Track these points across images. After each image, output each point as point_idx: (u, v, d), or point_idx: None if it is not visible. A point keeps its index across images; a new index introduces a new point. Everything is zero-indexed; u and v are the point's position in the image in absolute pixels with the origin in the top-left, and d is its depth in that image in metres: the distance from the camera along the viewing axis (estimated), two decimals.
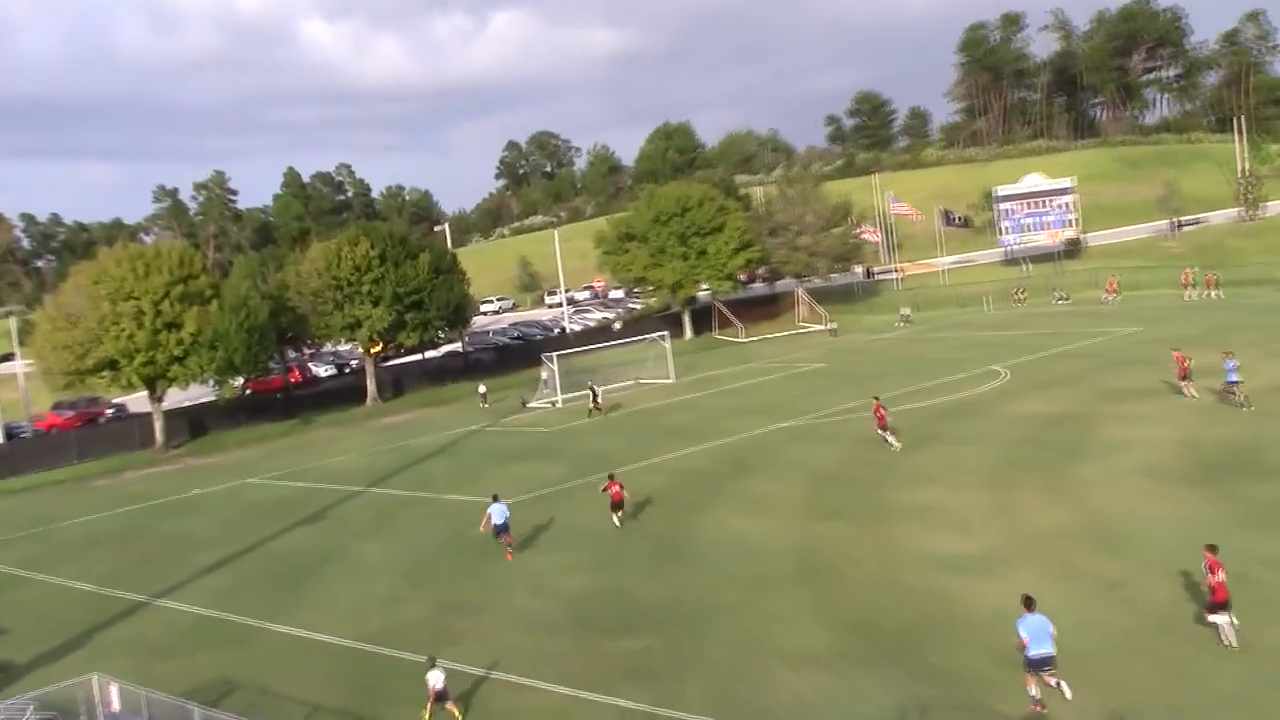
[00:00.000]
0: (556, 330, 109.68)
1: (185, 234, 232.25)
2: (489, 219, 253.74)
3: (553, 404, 72.95)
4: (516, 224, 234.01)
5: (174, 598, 36.89)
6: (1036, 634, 23.03)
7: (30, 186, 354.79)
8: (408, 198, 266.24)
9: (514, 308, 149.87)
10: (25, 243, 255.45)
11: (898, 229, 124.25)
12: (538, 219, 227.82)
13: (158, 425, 73.25)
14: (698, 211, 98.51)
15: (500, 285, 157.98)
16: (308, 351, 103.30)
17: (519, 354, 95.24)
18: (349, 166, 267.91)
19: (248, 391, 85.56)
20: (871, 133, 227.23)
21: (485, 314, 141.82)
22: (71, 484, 66.37)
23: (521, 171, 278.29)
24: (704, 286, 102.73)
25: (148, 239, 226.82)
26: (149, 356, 69.00)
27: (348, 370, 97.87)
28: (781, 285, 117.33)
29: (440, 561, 37.47)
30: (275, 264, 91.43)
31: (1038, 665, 22.97)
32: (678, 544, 36.01)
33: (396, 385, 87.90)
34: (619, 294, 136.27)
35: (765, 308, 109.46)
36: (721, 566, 33.15)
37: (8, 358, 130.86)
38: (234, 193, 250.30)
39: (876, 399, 48.89)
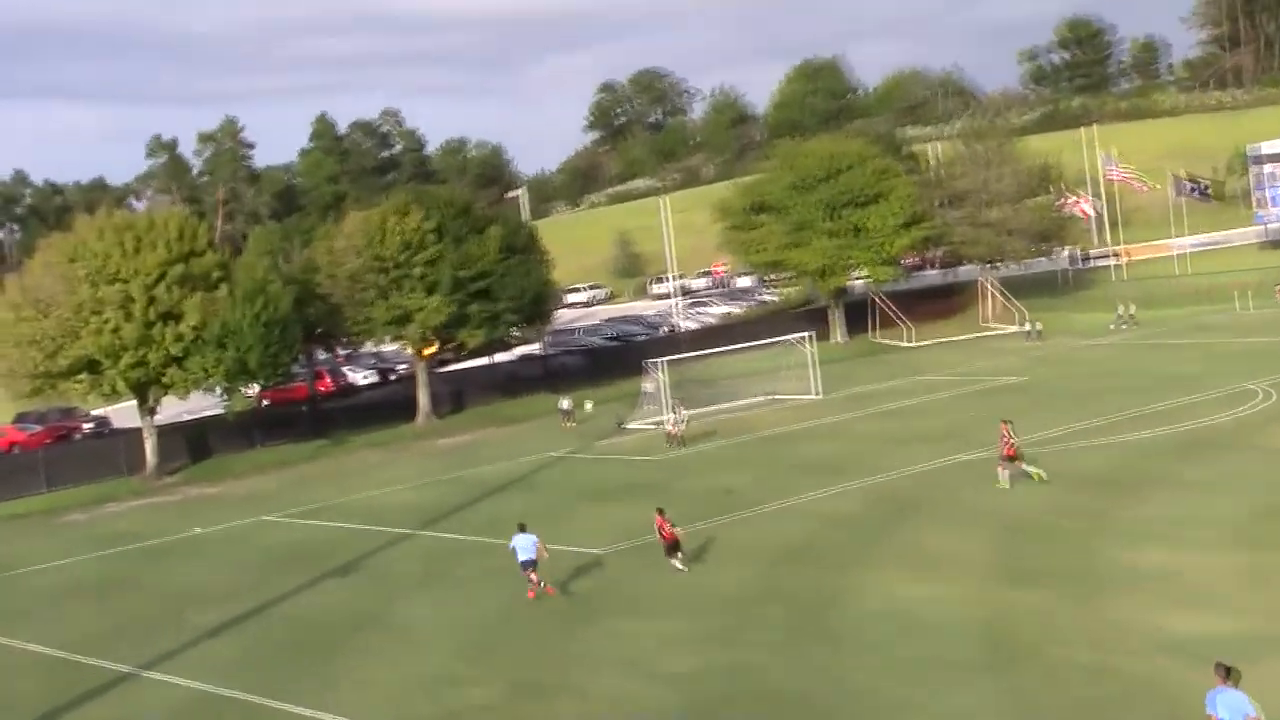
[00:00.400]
0: (664, 329, 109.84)
1: (187, 199, 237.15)
2: (577, 183, 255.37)
3: (658, 425, 72.89)
4: (613, 189, 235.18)
5: (166, 669, 37.29)
6: (1233, 715, 22.36)
7: None
8: (472, 154, 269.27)
9: (609, 299, 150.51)
10: None
11: (1120, 199, 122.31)
12: (641, 183, 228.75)
13: (149, 444, 74.67)
14: (852, 175, 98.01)
15: (592, 269, 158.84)
16: (342, 353, 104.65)
17: (615, 359, 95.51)
18: (396, 114, 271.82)
19: (265, 403, 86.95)
20: (1085, 72, 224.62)
21: (572, 307, 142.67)
22: (37, 519, 67.91)
23: (620, 121, 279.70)
24: (859, 273, 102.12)
25: (138, 205, 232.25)
26: (139, 356, 70.33)
27: (393, 377, 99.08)
28: (962, 273, 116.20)
29: (510, 629, 37.50)
30: (301, 238, 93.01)
31: None
32: (822, 613, 35.61)
33: (456, 398, 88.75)
34: (746, 282, 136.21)
35: (940, 302, 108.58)
36: (881, 645, 32.67)
37: None
38: (250, 146, 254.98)
39: (1006, 422, 48.85)
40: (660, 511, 41.75)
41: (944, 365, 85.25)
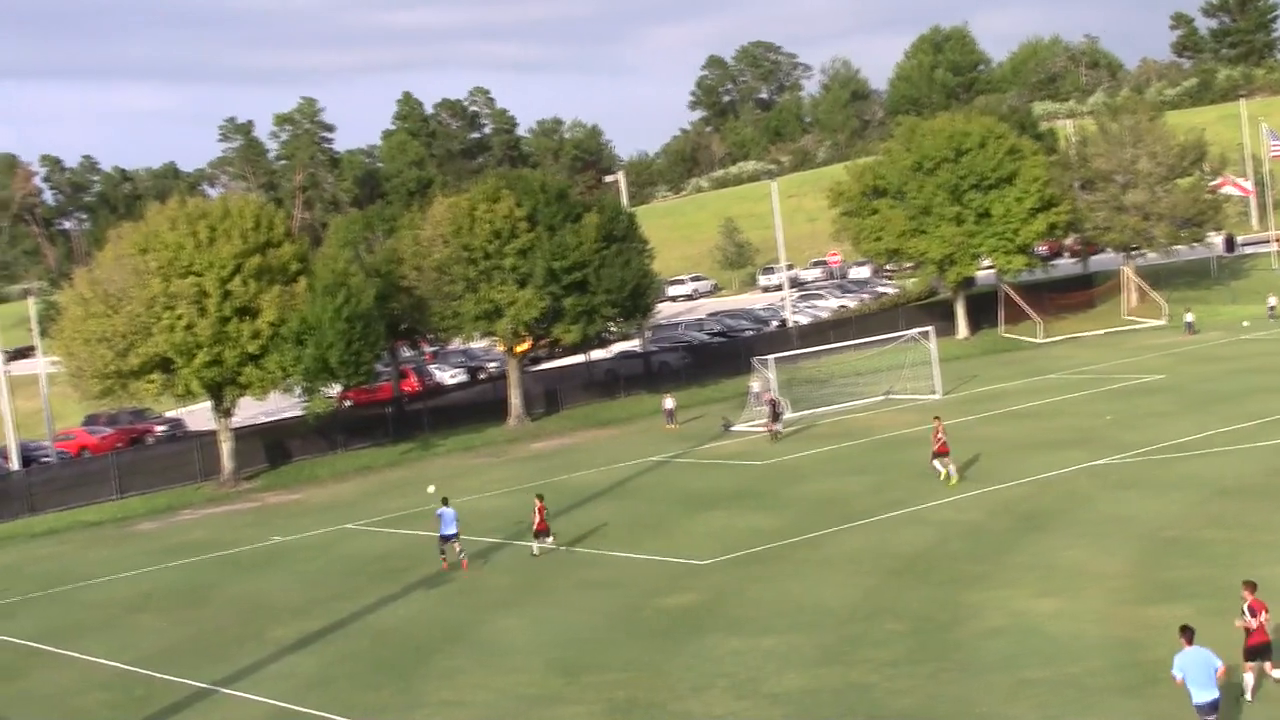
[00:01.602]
0: (774, 323, 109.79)
1: (263, 185, 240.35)
2: (680, 165, 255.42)
3: (767, 427, 73.06)
4: (719, 173, 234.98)
5: (243, 685, 37.99)
6: (1196, 673, 26.19)
7: (55, 118, 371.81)
8: (568, 135, 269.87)
9: (715, 291, 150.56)
10: (48, 196, 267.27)
11: None
12: (749, 165, 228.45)
13: (225, 448, 75.88)
14: (978, 155, 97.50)
15: (696, 259, 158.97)
16: (428, 350, 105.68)
17: (721, 356, 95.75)
18: (486, 92, 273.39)
19: (346, 404, 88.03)
20: (1241, 39, 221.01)
21: (674, 300, 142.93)
22: (108, 527, 69.32)
23: (727, 99, 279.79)
24: (986, 263, 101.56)
25: (212, 192, 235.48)
26: (213, 354, 71.45)
27: (483, 376, 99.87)
28: (1100, 262, 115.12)
29: (607, 645, 37.84)
30: (385, 227, 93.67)
31: (1202, 713, 26.11)
32: (944, 630, 35.61)
33: (550, 398, 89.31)
34: (863, 272, 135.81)
35: (1075, 294, 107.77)
36: (1006, 665, 32.64)
37: (24, 354, 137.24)
38: (329, 128, 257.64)
39: (937, 418, 55.45)
40: (540, 497, 49.67)
41: (1078, 363, 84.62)
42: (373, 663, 38.79)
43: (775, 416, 70.73)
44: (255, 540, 59.12)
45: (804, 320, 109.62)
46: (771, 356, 75.15)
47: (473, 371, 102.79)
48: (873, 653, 34.46)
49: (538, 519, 48.83)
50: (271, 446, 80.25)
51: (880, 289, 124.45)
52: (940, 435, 54.32)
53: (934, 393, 76.28)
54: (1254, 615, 28.89)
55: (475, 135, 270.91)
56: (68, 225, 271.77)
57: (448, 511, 48.50)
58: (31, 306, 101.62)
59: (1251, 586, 29.44)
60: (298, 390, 75.62)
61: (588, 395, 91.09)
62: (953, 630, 35.61)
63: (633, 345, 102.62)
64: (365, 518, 61.64)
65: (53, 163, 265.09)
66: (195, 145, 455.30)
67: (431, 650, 39.26)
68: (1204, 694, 26.10)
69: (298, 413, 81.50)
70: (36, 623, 48.54)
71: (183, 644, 43.31)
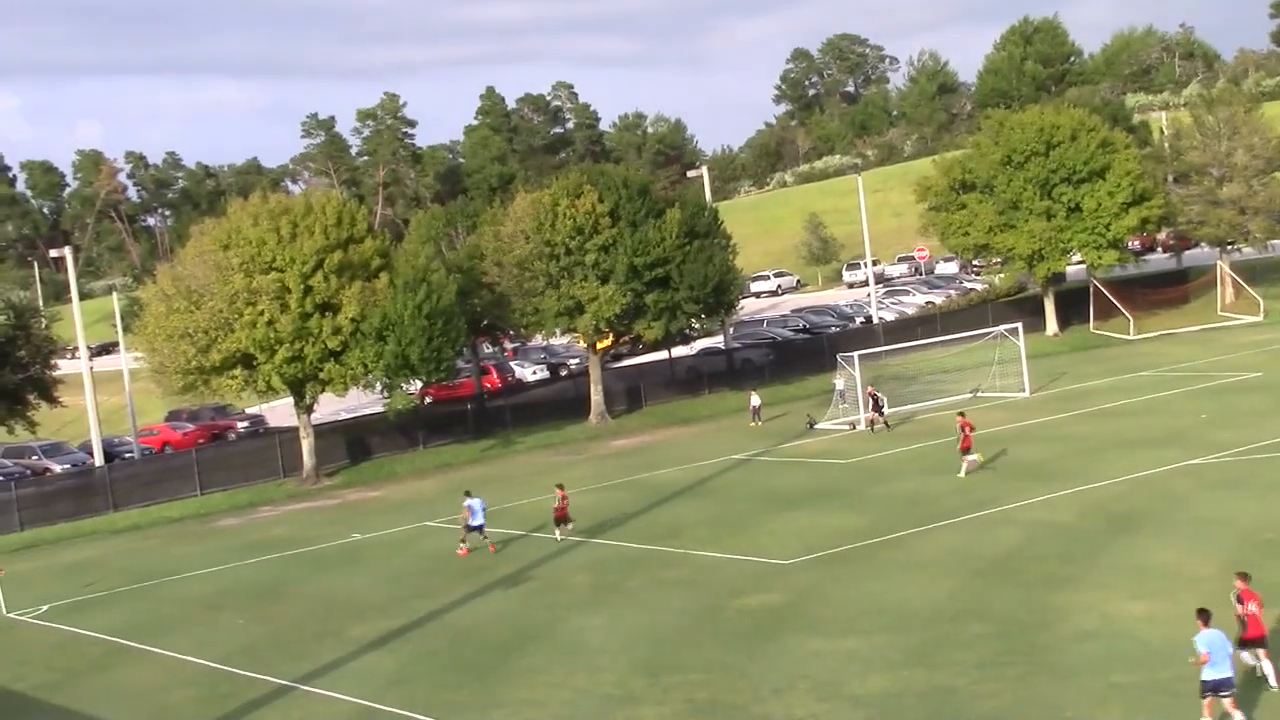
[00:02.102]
0: (860, 320, 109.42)
1: (345, 181, 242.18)
2: (765, 160, 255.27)
3: (851, 425, 72.94)
4: (804, 167, 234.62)
5: (323, 683, 38.37)
6: (1217, 651, 28.11)
7: (140, 115, 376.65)
8: (651, 130, 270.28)
9: (799, 287, 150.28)
10: (132, 192, 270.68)
11: None
12: (835, 159, 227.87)
13: (305, 445, 76.48)
14: (1069, 148, 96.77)
15: (780, 255, 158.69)
16: (510, 346, 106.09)
17: (805, 353, 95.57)
18: (570, 86, 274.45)
19: (427, 400, 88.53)
20: None
21: (758, 296, 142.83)
22: (190, 523, 70.07)
23: (812, 93, 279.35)
24: (1076, 258, 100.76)
25: (294, 188, 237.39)
26: (295, 350, 71.99)
27: (564, 373, 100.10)
28: (1194, 257, 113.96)
29: (688, 646, 37.86)
30: (466, 223, 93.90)
31: (1217, 689, 28.00)
32: (1030, 633, 35.39)
33: (632, 395, 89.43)
34: (950, 267, 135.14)
35: (1168, 289, 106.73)
36: (1099, 670, 32.38)
37: (107, 349, 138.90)
38: (411, 124, 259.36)
39: (961, 414, 58.96)
40: (560, 486, 54.47)
41: (1171, 360, 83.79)
42: (451, 661, 39.01)
43: (878, 408, 70.79)
44: (335, 537, 59.55)
45: (890, 317, 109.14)
46: (856, 353, 74.86)
47: (554, 368, 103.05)
48: (958, 655, 34.29)
49: (560, 505, 53.54)
50: (352, 443, 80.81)
51: (967, 285, 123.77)
52: (968, 432, 56.66)
53: (1022, 390, 75.79)
54: (1241, 604, 30.54)
55: (557, 130, 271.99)
56: (151, 222, 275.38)
57: (475, 502, 52.69)
58: (115, 302, 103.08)
59: (1244, 577, 31.11)
60: (378, 386, 76.02)
61: (669, 392, 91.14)
62: (1041, 633, 35.39)
63: (715, 342, 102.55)
64: (445, 515, 61.89)
65: (137, 159, 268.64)
66: (278, 141, 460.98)
67: (510, 649, 39.42)
68: (1224, 671, 27.96)
69: (378, 409, 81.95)
70: (122, 617, 49.17)
71: (263, 641, 43.73)
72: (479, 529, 52.66)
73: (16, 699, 40.63)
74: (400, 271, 75.02)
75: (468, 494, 54.02)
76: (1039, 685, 31.84)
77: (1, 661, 44.94)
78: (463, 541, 52.91)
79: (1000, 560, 42.49)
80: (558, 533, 53.46)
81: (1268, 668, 30.39)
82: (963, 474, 56.24)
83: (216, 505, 73.01)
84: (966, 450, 56.77)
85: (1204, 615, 28.92)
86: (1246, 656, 30.49)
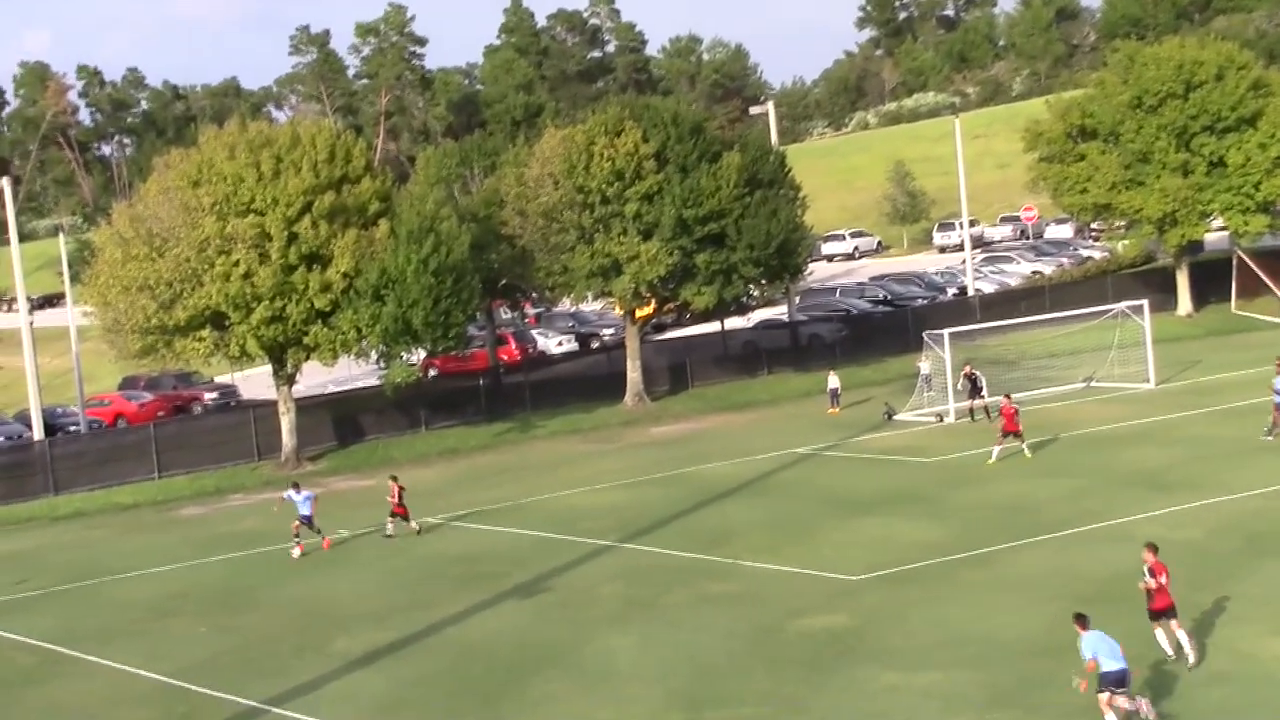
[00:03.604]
0: (952, 291, 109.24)
1: (340, 109, 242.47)
2: (842, 97, 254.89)
3: (939, 417, 72.83)
4: (890, 106, 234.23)
5: (298, 706, 38.43)
6: (1104, 649, 31.11)
7: (96, 22, 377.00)
8: (707, 57, 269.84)
9: (880, 250, 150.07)
10: (85, 115, 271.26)
11: None
12: (927, 98, 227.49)
13: (285, 422, 76.77)
14: (1214, 90, 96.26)
15: (859, 212, 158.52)
16: (532, 312, 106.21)
17: (884, 330, 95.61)
18: (611, 2, 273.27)
19: (432, 374, 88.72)
20: None
21: (830, 259, 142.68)
22: (146, 511, 70.36)
23: (903, 16, 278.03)
24: (1217, 223, 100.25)
25: (280, 115, 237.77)
26: (275, 309, 72.09)
27: (595, 345, 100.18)
28: None
29: (734, 674, 37.90)
30: (484, 163, 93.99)
31: (1119, 682, 30.97)
32: (1151, 673, 35.32)
33: (675, 374, 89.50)
34: (1063, 231, 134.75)
35: None
36: (1228, 716, 32.37)
37: (51, 301, 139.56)
38: (421, 42, 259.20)
39: (1008, 396, 63.61)
40: (394, 478, 58.15)
41: None
42: (454, 685, 39.11)
43: (977, 392, 71.00)
44: (318, 533, 59.62)
45: (988, 288, 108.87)
46: (946, 331, 74.70)
47: (584, 339, 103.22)
48: (1057, 697, 34.12)
49: (395, 501, 56.80)
50: (341, 421, 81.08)
51: (1084, 252, 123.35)
52: (1014, 414, 61.24)
53: (1145, 381, 75.51)
54: (1153, 576, 34.85)
55: (595, 54, 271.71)
56: (107, 150, 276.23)
57: (299, 494, 56.51)
58: (62, 246, 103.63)
59: (1153, 549, 35.50)
60: (374, 355, 76.20)
61: (721, 372, 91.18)
62: (1161, 673, 35.29)
63: (778, 313, 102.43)
64: (450, 510, 62.11)
65: (91, 75, 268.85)
66: (261, 59, 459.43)
67: (525, 672, 39.48)
68: (1116, 664, 31.04)
69: (373, 382, 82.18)
70: (60, 621, 49.40)
71: (229, 654, 43.87)
72: (308, 520, 56.08)
73: None
74: (403, 219, 75.06)
75: (295, 486, 57.65)
76: None
77: None
78: (296, 538, 56.10)
79: (1111, 584, 42.18)
80: (389, 526, 57.43)
81: (1183, 638, 34.91)
82: (994, 459, 60.85)
83: (178, 491, 73.28)
84: (1011, 434, 61.28)
85: (1081, 620, 31.98)
86: (1161, 636, 35.04)
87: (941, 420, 72.46)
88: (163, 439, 77.30)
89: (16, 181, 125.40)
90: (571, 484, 65.41)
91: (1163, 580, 34.90)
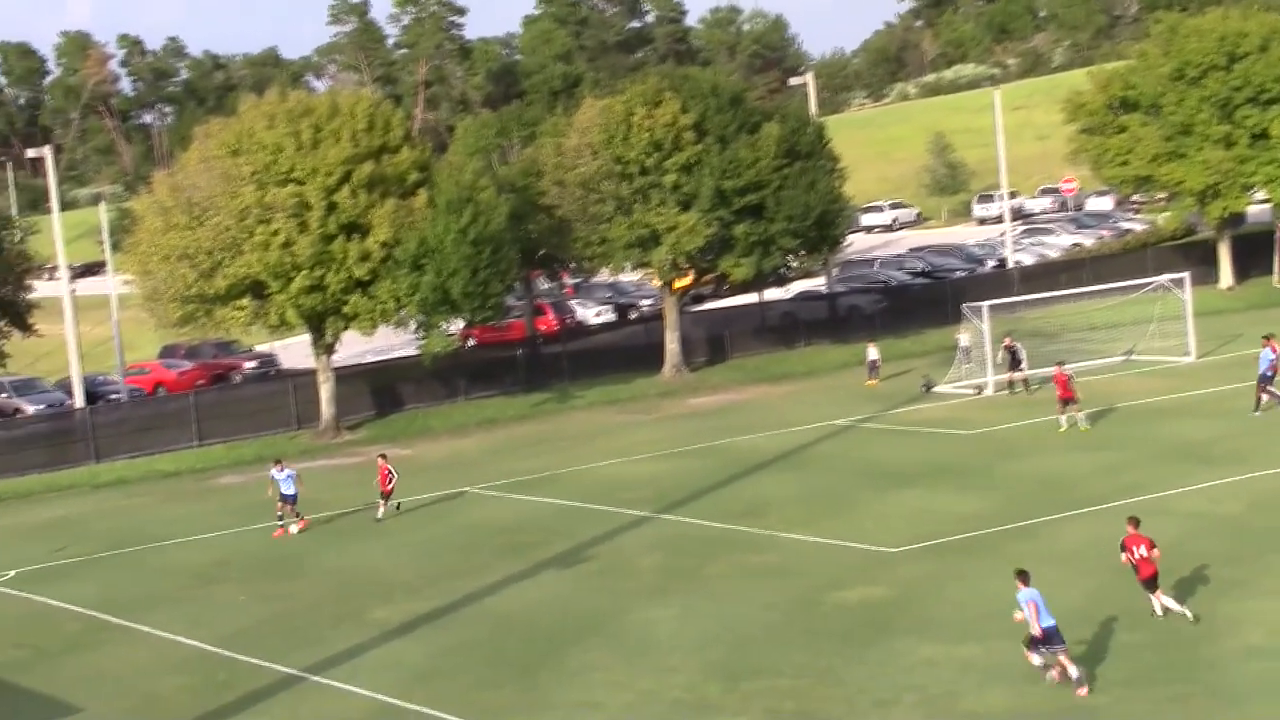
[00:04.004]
0: (991, 263, 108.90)
1: (379, 79, 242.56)
2: (882, 67, 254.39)
3: (978, 389, 72.68)
4: (930, 77, 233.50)
5: (337, 674, 38.59)
6: (1042, 603, 33.09)
7: None
8: (746, 28, 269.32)
9: (919, 221, 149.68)
10: (126, 84, 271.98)
11: None
12: (967, 69, 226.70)
13: (324, 391, 76.95)
14: (1259, 62, 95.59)
15: (898, 183, 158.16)
16: (570, 282, 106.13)
17: (923, 301, 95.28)
18: None
19: (470, 344, 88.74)
20: None
21: (869, 231, 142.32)
22: (186, 479, 70.68)
23: None
24: (1260, 196, 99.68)
25: (319, 85, 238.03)
26: (315, 278, 72.18)
27: (633, 316, 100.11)
28: None
29: (773, 645, 37.92)
30: (523, 133, 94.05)
31: (1048, 639, 32.90)
32: (1189, 645, 35.22)
33: (714, 345, 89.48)
34: (1104, 203, 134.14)
35: None
36: (1272, 694, 32.14)
37: (92, 270, 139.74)
38: (460, 12, 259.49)
39: (1060, 363, 64.25)
40: (383, 457, 57.62)
41: None
42: (492, 654, 39.18)
43: (1016, 364, 70.99)
44: (356, 502, 59.78)
45: (1028, 260, 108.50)
46: (986, 303, 74.50)
47: (622, 310, 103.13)
48: (1099, 669, 34.18)
49: (382, 480, 56.41)
50: (379, 391, 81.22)
51: (1124, 225, 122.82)
52: (1066, 381, 61.70)
53: (1186, 354, 75.24)
54: (1124, 551, 36.74)
55: (634, 25, 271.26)
56: (148, 119, 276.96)
57: (282, 472, 55.60)
58: (103, 214, 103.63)
59: (1134, 522, 37.06)
60: (412, 325, 76.22)
61: (759, 343, 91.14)
62: (1201, 646, 35.24)
63: (816, 284, 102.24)
64: (488, 480, 62.24)
65: (132, 44, 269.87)
66: (300, 29, 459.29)
67: (563, 642, 39.60)
68: (1050, 619, 32.89)
69: (411, 352, 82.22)
70: (102, 589, 49.69)
71: (269, 622, 44.09)
72: (290, 500, 55.30)
73: None
74: (442, 189, 75.00)
75: (278, 463, 56.83)
76: (1196, 709, 31.77)
77: None
78: (280, 519, 55.63)
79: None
80: (380, 510, 56.55)
81: (1170, 602, 36.60)
82: (1064, 427, 61.41)
83: (217, 459, 73.55)
84: (1067, 401, 61.59)
85: (1023, 576, 33.72)
86: (1167, 600, 36.75)
87: (980, 392, 72.33)
88: (202, 407, 77.58)
89: (58, 150, 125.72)
90: (609, 454, 65.47)
91: (1143, 552, 36.34)
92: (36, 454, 73.40)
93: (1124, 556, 36.81)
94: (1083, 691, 32.48)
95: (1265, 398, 61.16)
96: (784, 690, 34.65)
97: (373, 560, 50.55)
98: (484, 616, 42.75)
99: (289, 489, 54.91)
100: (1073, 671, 32.82)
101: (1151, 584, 36.67)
